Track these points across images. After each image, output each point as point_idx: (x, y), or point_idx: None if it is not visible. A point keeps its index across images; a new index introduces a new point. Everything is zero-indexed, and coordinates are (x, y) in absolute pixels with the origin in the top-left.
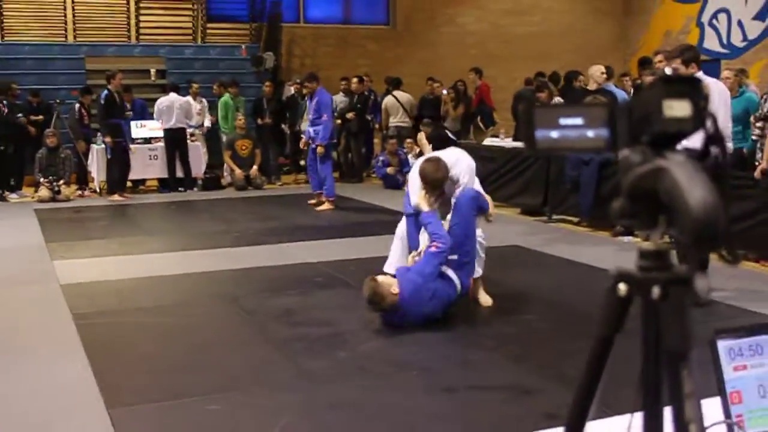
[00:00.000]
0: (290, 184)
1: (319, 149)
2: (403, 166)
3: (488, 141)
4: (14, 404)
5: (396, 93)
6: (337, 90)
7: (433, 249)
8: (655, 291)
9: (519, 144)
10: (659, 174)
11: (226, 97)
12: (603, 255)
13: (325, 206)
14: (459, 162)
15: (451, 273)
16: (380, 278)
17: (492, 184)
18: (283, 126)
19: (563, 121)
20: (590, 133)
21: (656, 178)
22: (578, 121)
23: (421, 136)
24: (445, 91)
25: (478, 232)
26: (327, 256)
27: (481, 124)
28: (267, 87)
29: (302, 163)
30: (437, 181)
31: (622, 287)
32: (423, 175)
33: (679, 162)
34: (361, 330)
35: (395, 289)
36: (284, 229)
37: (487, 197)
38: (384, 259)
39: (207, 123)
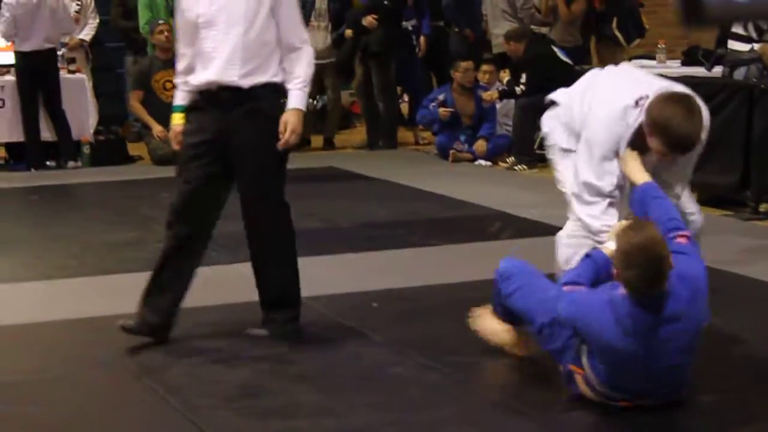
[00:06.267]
0: None
1: None
2: (486, 120)
3: (634, 65)
4: None
5: None
6: None
7: (682, 240)
8: None
9: (694, 70)
10: None
11: None
12: None
13: None
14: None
15: None
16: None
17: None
18: None
19: None
20: None
21: None
22: None
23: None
24: None
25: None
26: (326, 287)
27: (618, 34)
28: None
29: None
30: (690, 140)
31: None
32: (662, 127)
33: None
34: (389, 425)
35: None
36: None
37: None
38: (442, 289)
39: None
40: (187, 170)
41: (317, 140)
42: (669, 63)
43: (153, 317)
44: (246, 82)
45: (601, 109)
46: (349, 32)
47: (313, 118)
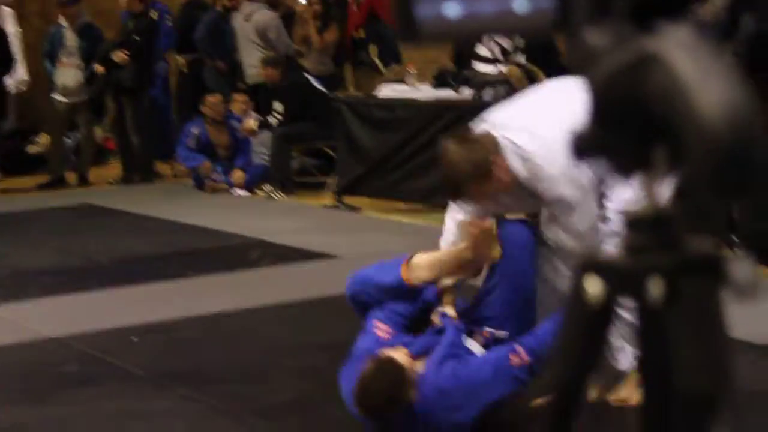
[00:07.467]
0: (16, 192)
1: None
2: (240, 151)
3: (386, 91)
4: None
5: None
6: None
7: (514, 361)
8: (655, 288)
9: (445, 93)
10: (646, 66)
11: None
12: None
13: None
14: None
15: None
16: (399, 356)
17: (396, 171)
18: (6, 79)
19: None
20: (519, 3)
21: (641, 73)
22: None
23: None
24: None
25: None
26: (84, 324)
27: (376, 60)
28: None
29: (34, 149)
30: (457, 181)
31: (594, 285)
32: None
33: (681, 42)
34: None
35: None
36: None
37: None
38: (201, 319)
39: None
40: None
41: (71, 177)
42: (420, 87)
43: None
44: None
45: None
46: (100, 68)
47: (66, 155)
